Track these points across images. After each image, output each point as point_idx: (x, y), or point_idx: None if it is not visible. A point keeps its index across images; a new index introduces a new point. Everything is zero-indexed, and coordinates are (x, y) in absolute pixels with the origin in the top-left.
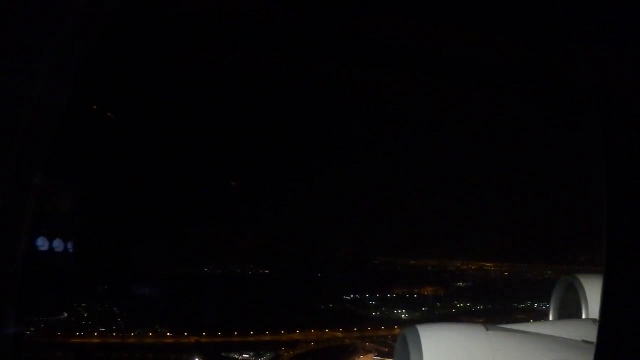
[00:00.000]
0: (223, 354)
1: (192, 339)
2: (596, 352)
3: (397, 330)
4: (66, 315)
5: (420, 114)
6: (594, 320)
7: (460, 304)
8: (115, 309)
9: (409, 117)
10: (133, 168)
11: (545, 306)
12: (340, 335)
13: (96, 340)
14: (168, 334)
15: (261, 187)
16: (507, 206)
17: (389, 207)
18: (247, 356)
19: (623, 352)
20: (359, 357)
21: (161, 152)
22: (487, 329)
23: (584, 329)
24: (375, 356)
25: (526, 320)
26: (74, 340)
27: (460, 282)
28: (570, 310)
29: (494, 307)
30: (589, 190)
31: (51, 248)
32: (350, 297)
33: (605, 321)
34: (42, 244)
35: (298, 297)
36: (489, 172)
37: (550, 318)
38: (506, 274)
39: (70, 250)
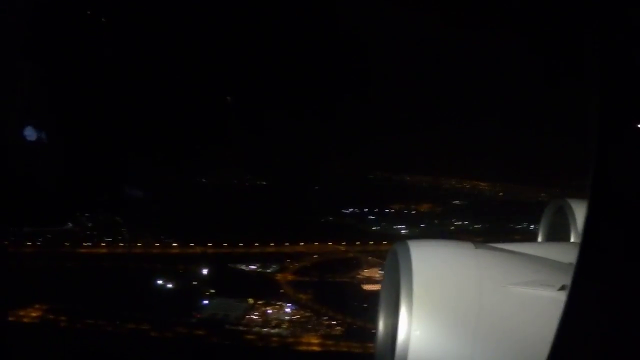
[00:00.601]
0: (229, 265)
1: (198, 250)
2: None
3: None
4: (70, 225)
5: (422, 37)
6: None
7: (457, 222)
8: (118, 218)
9: (411, 36)
10: (131, 76)
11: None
12: (342, 248)
13: (103, 250)
14: (174, 244)
15: (257, 100)
16: (503, 128)
17: (385, 122)
18: (254, 267)
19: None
20: (364, 271)
21: (158, 62)
22: (476, 247)
23: (570, 251)
24: (380, 270)
25: (523, 241)
26: (81, 251)
27: (456, 200)
28: (559, 233)
29: (491, 227)
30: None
31: (47, 154)
32: (348, 210)
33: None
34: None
35: (297, 208)
36: (487, 94)
37: (539, 240)
38: (501, 194)
39: (67, 156)
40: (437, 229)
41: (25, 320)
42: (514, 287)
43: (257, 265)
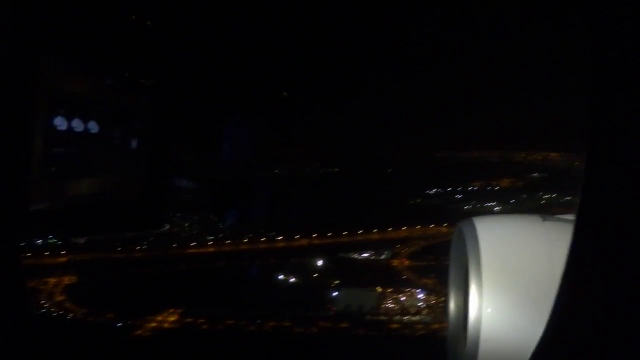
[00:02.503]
0: (342, 254)
1: (304, 242)
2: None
3: None
4: (168, 226)
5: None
6: None
7: (546, 195)
8: (212, 216)
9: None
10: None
11: None
12: (445, 230)
13: (211, 249)
14: (279, 238)
15: (320, 87)
16: (566, 93)
17: (446, 100)
18: (367, 255)
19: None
20: None
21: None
22: (544, 219)
23: None
24: None
25: None
26: (190, 251)
27: (534, 173)
28: None
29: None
30: None
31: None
32: (432, 191)
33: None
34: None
35: (380, 193)
36: (547, 62)
37: None
38: (576, 163)
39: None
40: (529, 205)
41: (165, 325)
42: None
43: (370, 253)
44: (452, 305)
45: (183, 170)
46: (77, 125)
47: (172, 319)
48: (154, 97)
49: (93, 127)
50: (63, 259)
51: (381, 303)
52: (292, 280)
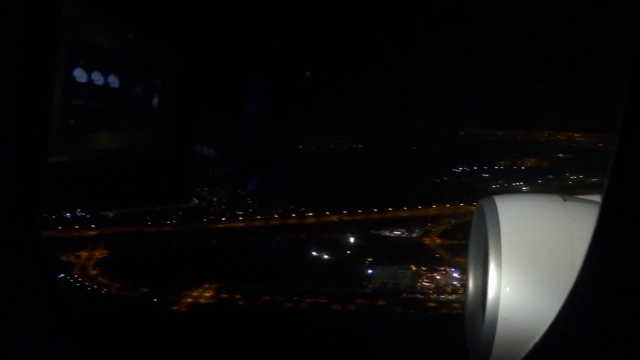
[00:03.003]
0: (372, 231)
1: (334, 218)
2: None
3: None
4: (196, 201)
5: None
6: None
7: (572, 176)
8: (239, 190)
9: None
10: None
11: None
12: (474, 209)
13: (241, 224)
14: (309, 214)
15: (345, 63)
16: (590, 75)
17: (469, 78)
18: (398, 232)
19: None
20: None
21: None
22: (564, 199)
23: None
24: None
25: None
26: (220, 226)
27: (559, 153)
28: None
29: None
30: None
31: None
32: (458, 169)
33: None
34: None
35: (405, 171)
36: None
37: None
38: (600, 145)
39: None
40: (556, 185)
41: (202, 300)
42: None
43: (401, 230)
44: (470, 282)
45: (208, 139)
46: (98, 78)
47: (208, 294)
48: (180, 55)
49: (114, 81)
50: (93, 233)
51: (417, 281)
52: (325, 256)
